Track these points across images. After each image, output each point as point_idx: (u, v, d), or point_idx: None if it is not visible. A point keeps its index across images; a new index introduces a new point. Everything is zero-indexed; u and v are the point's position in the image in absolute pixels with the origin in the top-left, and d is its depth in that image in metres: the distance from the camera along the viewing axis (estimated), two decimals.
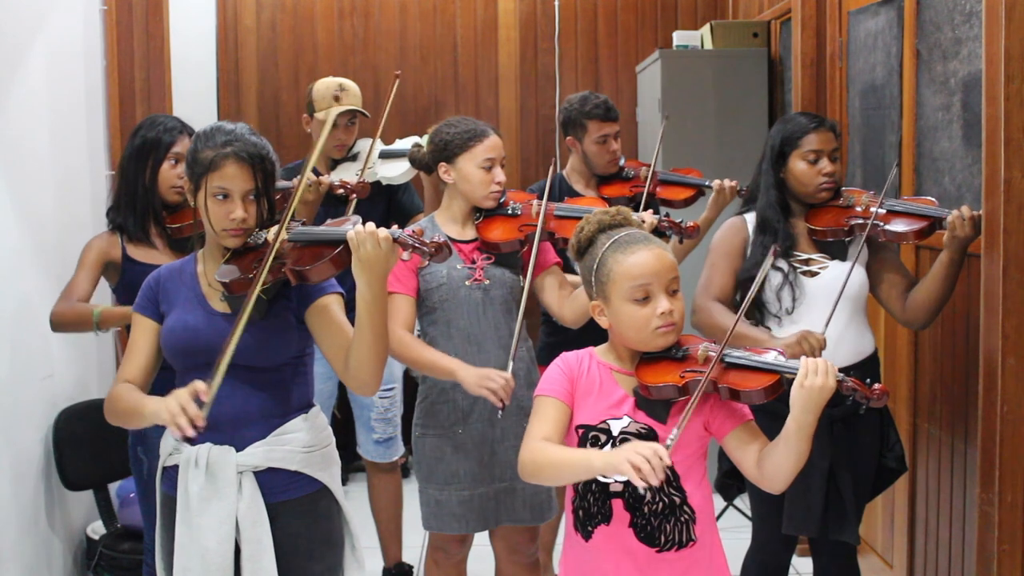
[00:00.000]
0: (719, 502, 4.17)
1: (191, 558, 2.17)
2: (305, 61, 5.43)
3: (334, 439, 2.36)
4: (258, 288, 2.11)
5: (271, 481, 2.21)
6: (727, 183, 3.33)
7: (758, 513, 2.87)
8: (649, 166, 3.50)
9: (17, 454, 3.21)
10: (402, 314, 2.73)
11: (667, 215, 2.97)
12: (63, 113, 3.68)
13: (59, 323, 2.90)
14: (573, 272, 3.27)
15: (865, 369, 2.75)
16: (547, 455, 2.00)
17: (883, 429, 2.80)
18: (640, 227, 2.16)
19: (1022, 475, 2.27)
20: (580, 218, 2.82)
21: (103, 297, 3.11)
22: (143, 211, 2.94)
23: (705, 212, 3.36)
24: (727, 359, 2.03)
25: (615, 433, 2.03)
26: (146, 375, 2.26)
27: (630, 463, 1.81)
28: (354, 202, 3.46)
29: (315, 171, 3.66)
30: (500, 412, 2.62)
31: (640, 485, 1.82)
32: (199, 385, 2.04)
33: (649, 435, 2.02)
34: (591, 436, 2.05)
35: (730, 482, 2.89)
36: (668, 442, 1.91)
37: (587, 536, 2.07)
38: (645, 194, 3.43)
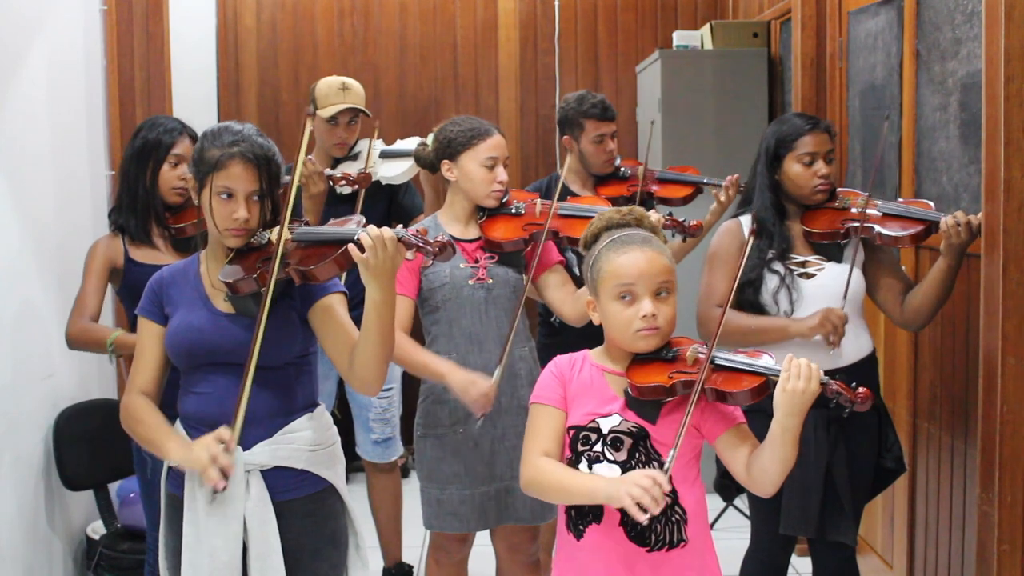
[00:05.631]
0: (719, 502, 4.17)
1: (199, 558, 2.17)
2: (305, 61, 5.43)
3: (339, 438, 2.37)
4: (271, 292, 2.12)
5: (278, 480, 2.21)
6: (726, 182, 3.33)
7: (757, 513, 2.87)
8: (644, 164, 3.51)
9: (17, 454, 3.21)
10: (400, 316, 2.73)
11: (670, 214, 2.98)
12: (63, 113, 3.68)
13: (75, 344, 2.92)
14: (574, 271, 3.27)
15: (863, 369, 2.76)
16: (551, 478, 2.03)
17: (881, 429, 2.80)
18: (653, 227, 2.16)
19: (1022, 475, 2.27)
20: (583, 217, 2.83)
21: (108, 297, 3.11)
22: (144, 212, 2.95)
23: (708, 216, 3.36)
24: (715, 361, 2.03)
25: (605, 431, 2.04)
26: (158, 381, 2.27)
27: (630, 496, 1.85)
28: (362, 195, 3.47)
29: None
30: (478, 423, 2.70)
31: (642, 519, 1.86)
32: (223, 433, 2.08)
33: (640, 433, 2.03)
34: (582, 436, 2.06)
35: (729, 483, 2.88)
36: (666, 466, 1.94)
37: (579, 535, 2.07)
38: (639, 192, 3.43)
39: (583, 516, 2.06)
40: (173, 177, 2.94)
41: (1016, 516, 2.28)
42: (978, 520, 2.38)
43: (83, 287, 2.93)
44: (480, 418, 2.68)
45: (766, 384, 1.97)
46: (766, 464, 1.95)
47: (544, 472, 2.03)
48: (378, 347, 2.13)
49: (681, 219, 2.97)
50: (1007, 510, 2.28)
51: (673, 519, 2.04)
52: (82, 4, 3.87)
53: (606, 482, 1.95)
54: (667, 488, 1.86)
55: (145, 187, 2.94)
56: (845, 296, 2.68)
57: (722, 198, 3.34)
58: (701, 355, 2.02)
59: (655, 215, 2.78)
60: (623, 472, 2.02)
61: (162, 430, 2.20)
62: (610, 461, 2.02)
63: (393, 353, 2.21)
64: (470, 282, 2.79)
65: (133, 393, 2.25)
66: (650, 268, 2.01)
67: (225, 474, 2.06)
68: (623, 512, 2.01)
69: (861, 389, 1.92)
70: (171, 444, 2.16)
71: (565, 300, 2.84)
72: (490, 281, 2.80)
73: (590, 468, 2.04)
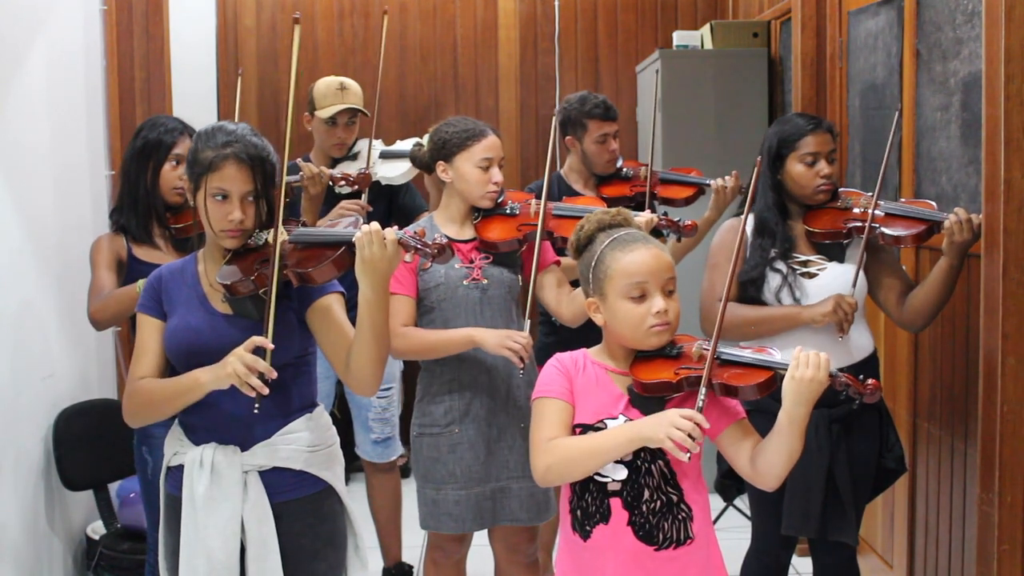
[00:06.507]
0: (719, 502, 4.17)
1: (197, 558, 2.17)
2: (305, 61, 5.42)
3: (338, 438, 2.37)
4: (274, 293, 2.12)
5: (276, 481, 2.21)
6: (727, 181, 3.34)
7: (757, 513, 2.87)
8: (647, 165, 3.51)
9: (17, 454, 3.21)
10: (403, 315, 2.73)
11: (665, 214, 2.98)
12: (63, 113, 3.68)
13: (102, 317, 2.85)
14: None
15: (864, 368, 2.75)
16: (574, 451, 2.00)
17: (882, 430, 2.80)
18: (639, 228, 2.17)
19: (1022, 475, 2.27)
20: (578, 217, 2.83)
21: None
22: (145, 212, 2.95)
23: (707, 212, 3.37)
24: (721, 356, 2.03)
25: None
26: (159, 374, 2.25)
27: (670, 440, 1.87)
28: (365, 194, 3.48)
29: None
30: (521, 372, 2.68)
31: (684, 459, 1.89)
32: (256, 339, 2.07)
33: None
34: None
35: (729, 483, 2.89)
36: (699, 404, 1.94)
37: (586, 536, 2.07)
38: (648, 193, 3.43)
39: (590, 517, 2.06)
40: (174, 177, 2.94)
41: (1016, 516, 2.28)
42: (978, 520, 2.38)
43: (95, 275, 2.89)
44: (522, 369, 2.67)
45: (774, 378, 1.98)
46: (771, 456, 1.96)
47: (562, 449, 2.01)
48: (372, 347, 2.12)
49: (676, 219, 2.97)
50: (1007, 510, 2.28)
51: (679, 516, 2.04)
52: (82, 4, 3.88)
53: (639, 425, 1.96)
54: (706, 425, 1.89)
55: (146, 187, 2.94)
56: (854, 285, 2.68)
57: (724, 193, 3.34)
58: (706, 350, 2.03)
59: (647, 215, 2.79)
60: (629, 472, 2.03)
61: (176, 378, 2.17)
62: (615, 461, 2.02)
63: (388, 354, 2.20)
64: (465, 282, 2.79)
65: (135, 382, 2.22)
66: (658, 265, 2.03)
67: (265, 379, 2.04)
68: (630, 512, 2.03)
69: (870, 381, 1.94)
70: (198, 375, 2.11)
71: (562, 300, 2.85)
72: (485, 281, 2.80)
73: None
